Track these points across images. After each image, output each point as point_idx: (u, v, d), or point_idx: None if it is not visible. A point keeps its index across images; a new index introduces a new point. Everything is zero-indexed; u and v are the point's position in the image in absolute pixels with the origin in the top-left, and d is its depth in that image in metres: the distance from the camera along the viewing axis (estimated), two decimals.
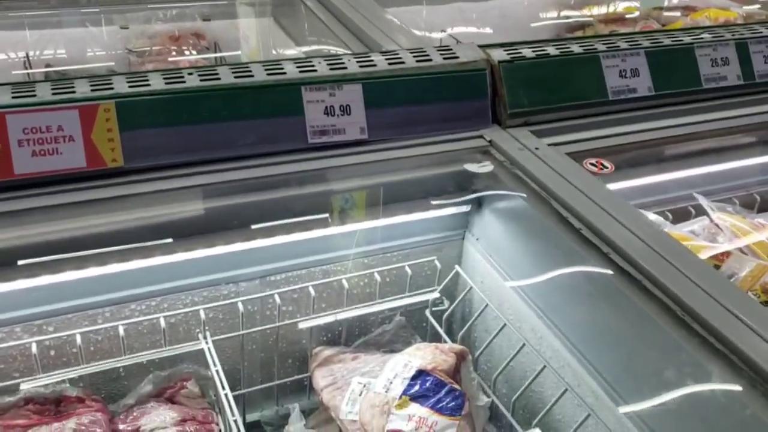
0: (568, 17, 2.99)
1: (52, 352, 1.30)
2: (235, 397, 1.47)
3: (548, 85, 1.59)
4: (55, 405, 1.28)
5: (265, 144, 1.36)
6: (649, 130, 1.62)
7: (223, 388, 1.24)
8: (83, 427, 1.25)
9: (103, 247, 1.24)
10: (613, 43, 1.66)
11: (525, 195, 1.36)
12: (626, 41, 1.67)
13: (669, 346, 1.05)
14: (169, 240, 1.29)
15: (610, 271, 1.17)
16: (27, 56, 2.32)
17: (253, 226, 1.35)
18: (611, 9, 3.11)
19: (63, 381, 1.29)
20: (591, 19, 3.02)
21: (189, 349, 1.33)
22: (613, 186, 1.43)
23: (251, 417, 1.52)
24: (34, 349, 1.22)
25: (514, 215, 1.42)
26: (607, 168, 1.49)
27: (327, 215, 1.40)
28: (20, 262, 1.19)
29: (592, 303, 1.23)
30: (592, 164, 1.49)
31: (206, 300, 1.38)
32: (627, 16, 2.97)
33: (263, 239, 1.36)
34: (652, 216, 1.53)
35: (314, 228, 1.39)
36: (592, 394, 1.21)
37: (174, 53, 2.53)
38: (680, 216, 1.64)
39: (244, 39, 2.57)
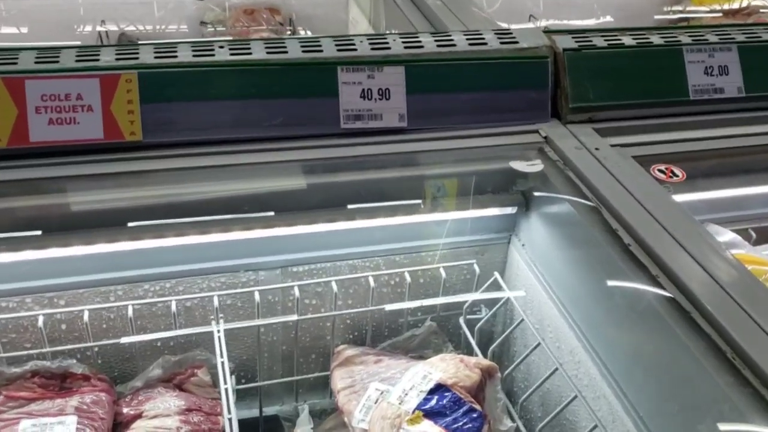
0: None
1: (63, 326, 1.28)
2: (252, 390, 1.42)
3: (619, 79, 1.42)
4: (60, 380, 1.26)
5: (294, 126, 1.27)
6: (735, 136, 1.41)
7: (225, 381, 1.17)
8: (85, 407, 1.21)
9: (116, 223, 1.20)
10: (701, 35, 1.46)
11: (574, 200, 1.21)
12: (716, 34, 1.46)
13: (713, 392, 0.89)
14: (186, 221, 1.23)
15: (657, 297, 1.01)
16: (102, 25, 2.34)
17: (276, 213, 1.27)
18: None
19: (70, 357, 1.27)
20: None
21: (196, 331, 1.27)
22: (682, 197, 1.26)
23: (269, 410, 1.45)
24: (40, 321, 1.20)
25: (562, 222, 1.27)
26: (677, 176, 1.31)
27: (355, 206, 1.30)
28: (31, 233, 1.16)
29: (635, 330, 1.07)
30: (660, 171, 1.31)
31: (223, 286, 1.32)
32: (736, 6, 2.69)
33: (286, 227, 1.28)
34: (728, 235, 1.34)
35: (341, 219, 1.29)
36: None
37: (247, 27, 2.50)
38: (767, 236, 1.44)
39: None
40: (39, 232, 1.17)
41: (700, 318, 0.95)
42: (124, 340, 1.26)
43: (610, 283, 1.11)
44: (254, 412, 1.43)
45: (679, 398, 0.97)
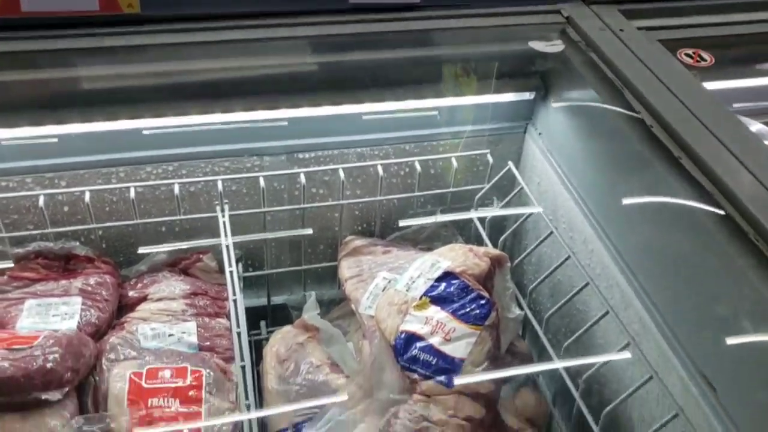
0: None
1: (66, 208, 1.25)
2: (260, 279, 1.40)
3: None
4: (64, 262, 1.25)
5: (300, 0, 1.20)
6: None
7: (230, 265, 1.14)
8: (89, 288, 1.21)
9: (113, 101, 1.15)
10: None
11: (596, 83, 1.14)
12: None
13: (733, 276, 0.85)
14: (187, 101, 1.18)
15: (678, 180, 0.95)
16: None
17: (281, 95, 1.21)
18: None
19: (73, 239, 1.25)
20: None
21: (201, 217, 1.24)
22: (709, 84, 1.18)
23: (277, 299, 1.44)
24: (41, 202, 1.17)
25: (582, 107, 1.20)
26: (705, 60, 1.23)
27: (363, 90, 1.24)
28: (27, 110, 1.12)
29: (653, 216, 1.02)
30: (687, 55, 1.23)
31: (228, 171, 1.28)
32: None
33: (291, 110, 1.23)
34: (755, 126, 1.27)
35: (348, 103, 1.23)
36: (639, 321, 1.03)
37: None
38: None
39: None
40: (34, 109, 1.12)
41: (724, 200, 0.90)
42: (128, 222, 1.24)
43: (629, 168, 1.06)
44: (262, 300, 1.42)
45: (694, 284, 0.93)
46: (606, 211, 1.13)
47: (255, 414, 0.97)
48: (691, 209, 0.93)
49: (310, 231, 1.35)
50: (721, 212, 0.89)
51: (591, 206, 1.16)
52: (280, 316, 1.40)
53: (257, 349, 1.30)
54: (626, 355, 1.04)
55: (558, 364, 1.12)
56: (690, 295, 0.94)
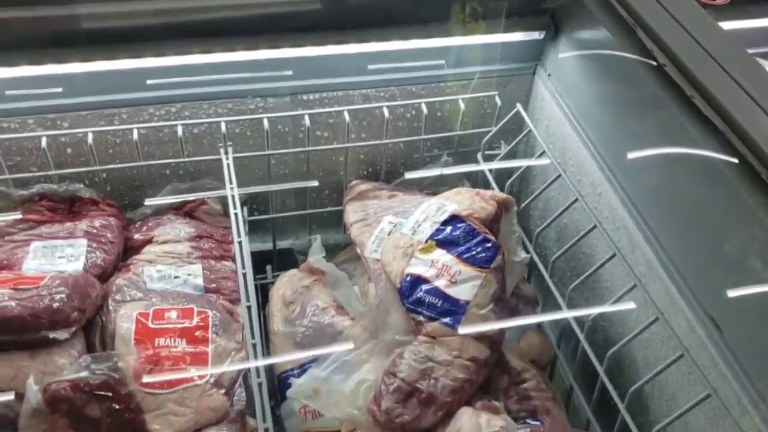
0: None
1: (69, 150, 1.24)
2: (265, 224, 1.40)
3: None
4: (69, 205, 1.24)
5: None
6: None
7: (235, 207, 1.14)
8: (94, 230, 1.21)
9: (115, 41, 1.13)
10: None
11: (608, 22, 1.11)
12: None
13: (743, 216, 0.84)
14: (190, 40, 1.16)
15: (691, 118, 0.93)
16: None
17: (284, 34, 1.18)
18: None
19: (77, 181, 1.24)
20: None
21: (205, 159, 1.23)
22: (725, 24, 1.15)
23: (283, 244, 1.44)
24: (43, 143, 1.16)
25: (593, 46, 1.17)
26: None
27: (368, 28, 1.21)
28: (26, 50, 1.10)
29: (664, 157, 1.01)
30: None
31: (231, 113, 1.26)
32: None
33: (296, 49, 1.20)
34: None
35: (352, 42, 1.21)
36: (646, 264, 1.03)
37: None
38: None
39: None
40: (33, 49, 1.10)
41: (737, 139, 0.88)
42: (132, 165, 1.23)
43: (640, 109, 1.04)
44: (267, 245, 1.42)
45: (704, 226, 0.92)
46: (615, 153, 1.11)
47: (263, 362, 0.96)
48: (703, 150, 0.91)
49: (315, 183, 1.34)
50: (734, 152, 0.87)
51: (600, 148, 1.14)
52: (285, 260, 1.40)
53: (263, 293, 1.31)
54: (631, 305, 1.04)
55: (567, 314, 1.11)
56: (699, 236, 0.93)
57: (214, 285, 1.18)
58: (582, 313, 1.09)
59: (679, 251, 0.96)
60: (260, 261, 1.40)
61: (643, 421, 1.03)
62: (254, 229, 1.40)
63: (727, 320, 0.88)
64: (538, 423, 1.03)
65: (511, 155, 1.34)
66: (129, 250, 1.24)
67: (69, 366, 0.97)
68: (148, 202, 1.28)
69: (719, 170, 0.88)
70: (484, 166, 1.33)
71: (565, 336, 1.19)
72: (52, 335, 0.98)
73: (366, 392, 1.05)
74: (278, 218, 1.39)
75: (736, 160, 0.86)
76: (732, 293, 0.88)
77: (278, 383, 1.17)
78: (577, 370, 1.13)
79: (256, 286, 1.23)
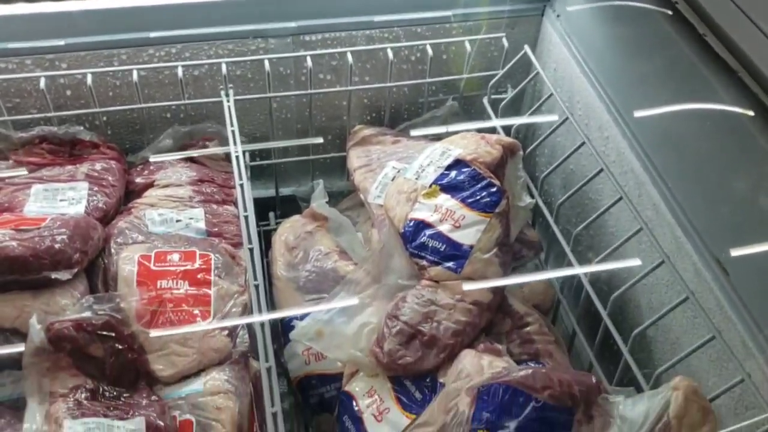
0: None
1: (68, 92, 1.22)
2: (268, 170, 1.39)
3: None
4: (69, 147, 1.23)
5: None
6: None
7: (236, 149, 1.12)
8: (95, 173, 1.19)
9: None
10: None
11: None
12: None
13: (754, 153, 0.82)
14: None
15: (702, 58, 0.91)
16: None
17: None
18: None
19: (77, 124, 1.23)
20: None
21: (206, 101, 1.21)
22: None
23: (286, 191, 1.43)
24: (42, 83, 1.14)
25: None
26: None
27: None
28: None
29: (674, 97, 0.98)
30: None
31: (232, 54, 1.24)
32: None
33: None
34: None
35: None
36: (653, 207, 1.01)
37: None
38: None
39: None
40: None
41: (749, 78, 0.85)
42: (132, 107, 1.22)
43: (651, 49, 1.01)
44: (270, 192, 1.41)
45: (713, 169, 0.90)
46: (624, 95, 1.09)
47: (267, 316, 0.94)
48: (715, 90, 0.89)
49: (320, 140, 1.32)
50: (747, 92, 0.85)
51: (609, 91, 1.12)
52: (288, 208, 1.39)
53: (266, 239, 1.30)
54: (637, 261, 1.03)
55: (578, 270, 1.09)
56: (708, 179, 0.92)
57: (216, 229, 1.17)
58: (593, 269, 1.07)
59: (687, 194, 0.95)
60: (263, 208, 1.39)
61: (646, 365, 1.03)
62: (257, 175, 1.39)
63: (734, 263, 0.87)
64: (540, 366, 1.03)
65: (517, 99, 1.31)
66: (130, 193, 1.23)
67: (72, 306, 0.97)
68: (153, 159, 1.25)
69: (731, 111, 0.86)
70: (498, 122, 1.30)
71: (568, 281, 1.19)
72: (54, 275, 0.98)
73: (369, 335, 1.05)
74: (281, 165, 1.37)
75: (749, 101, 0.84)
76: (739, 236, 0.87)
77: (281, 327, 1.17)
78: (581, 315, 1.13)
79: (259, 232, 1.23)
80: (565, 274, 1.16)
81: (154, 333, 0.98)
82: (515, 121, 1.30)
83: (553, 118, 1.23)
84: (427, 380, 1.02)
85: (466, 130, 1.29)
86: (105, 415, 0.88)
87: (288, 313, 1.16)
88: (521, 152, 1.19)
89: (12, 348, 0.94)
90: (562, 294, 1.17)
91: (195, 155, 1.29)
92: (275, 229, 1.30)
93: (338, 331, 1.08)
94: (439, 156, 1.17)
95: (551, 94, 1.20)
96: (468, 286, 1.04)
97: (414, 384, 1.03)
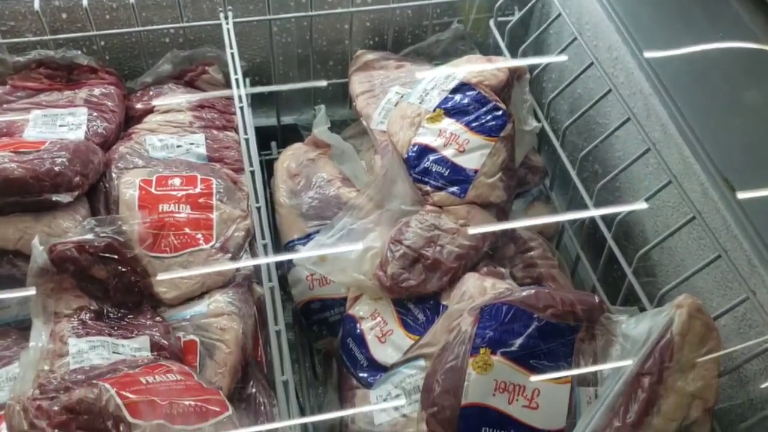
0: None
1: (64, 15, 1.20)
2: (269, 99, 1.36)
3: None
4: (67, 72, 1.21)
5: None
6: None
7: (235, 72, 1.10)
8: (95, 99, 1.18)
9: None
10: None
11: None
12: None
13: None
14: None
15: None
16: None
17: None
18: None
19: (75, 49, 1.20)
20: None
21: (204, 24, 1.18)
22: None
23: (287, 119, 1.41)
24: (36, 5, 1.11)
25: None
26: None
27: None
28: None
29: (689, 23, 0.95)
30: None
31: None
32: None
33: None
34: None
35: None
36: (661, 128, 0.99)
37: None
38: None
39: None
40: None
41: None
42: (130, 30, 1.19)
43: None
44: (272, 121, 1.39)
45: (723, 87, 0.88)
46: (635, 13, 1.05)
47: (272, 258, 0.93)
48: (728, 4, 0.86)
49: (324, 83, 1.29)
50: (763, 8, 0.82)
51: (619, 10, 1.08)
52: (290, 137, 1.37)
53: (268, 169, 1.29)
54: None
55: (594, 212, 1.06)
56: (717, 98, 0.89)
57: (217, 154, 1.16)
58: (605, 211, 1.04)
59: (697, 114, 0.93)
60: (264, 137, 1.37)
61: (651, 288, 1.02)
62: (258, 103, 1.37)
63: (742, 181, 0.85)
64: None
65: (524, 20, 1.28)
66: (130, 119, 1.21)
67: (73, 229, 0.96)
68: (157, 102, 1.22)
69: (745, 28, 0.83)
70: (516, 63, 1.26)
71: (573, 207, 1.17)
72: (55, 198, 0.97)
73: (372, 259, 1.05)
74: (282, 93, 1.35)
75: (763, 13, 0.81)
76: (748, 154, 0.86)
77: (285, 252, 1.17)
78: (585, 239, 1.12)
79: (260, 162, 1.21)
80: (575, 217, 1.14)
81: (156, 255, 0.98)
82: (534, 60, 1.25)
83: (558, 59, 1.19)
84: (430, 303, 1.02)
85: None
86: (109, 335, 0.88)
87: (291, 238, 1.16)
88: (528, 75, 1.16)
89: None
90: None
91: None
92: (277, 158, 1.29)
93: (341, 255, 1.07)
94: (444, 79, 1.14)
95: (559, 14, 1.16)
96: (473, 231, 1.02)
97: (417, 306, 1.03)
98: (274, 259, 0.91)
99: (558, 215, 1.19)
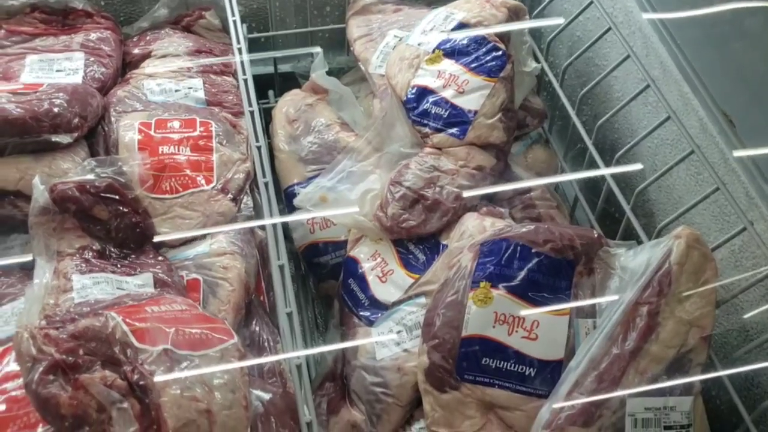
0: None
1: None
2: (265, 43, 1.35)
3: None
4: (62, 17, 1.20)
5: None
6: None
7: (233, 14, 1.09)
8: (91, 44, 1.17)
9: None
10: None
11: None
12: None
13: None
14: None
15: None
16: None
17: None
18: None
19: None
20: None
21: None
22: None
23: (285, 67, 1.40)
24: None
25: None
26: None
27: None
28: None
29: None
30: None
31: None
32: None
33: None
34: None
35: None
36: (660, 66, 0.99)
37: None
38: None
39: None
40: None
41: None
42: None
43: None
44: (269, 69, 1.38)
45: (723, 24, 0.88)
46: None
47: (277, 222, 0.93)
48: None
49: (318, 49, 1.27)
50: None
51: None
52: (288, 86, 1.36)
53: (266, 117, 1.28)
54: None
55: (606, 171, 1.05)
56: (717, 33, 0.89)
57: (215, 99, 1.15)
58: (620, 170, 1.02)
59: (696, 49, 0.92)
60: (262, 86, 1.36)
61: (649, 228, 1.03)
62: (255, 51, 1.35)
63: (741, 114, 0.86)
64: None
65: None
66: (127, 65, 1.21)
67: (74, 169, 0.96)
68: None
69: None
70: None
71: (572, 151, 1.18)
72: (54, 138, 0.97)
73: (372, 201, 1.06)
74: (279, 40, 1.34)
75: None
76: (747, 87, 0.86)
77: (285, 197, 1.17)
78: (583, 183, 1.12)
79: (259, 110, 1.21)
80: (582, 176, 1.13)
81: (157, 196, 0.98)
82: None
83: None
84: (431, 242, 1.03)
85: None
86: (113, 272, 0.89)
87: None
88: (528, 16, 1.16)
89: None
90: (565, 161, 1.17)
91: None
92: (275, 107, 1.28)
93: (342, 197, 1.08)
94: (443, 20, 1.14)
95: None
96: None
97: (417, 246, 1.04)
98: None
99: (566, 175, 1.17)
